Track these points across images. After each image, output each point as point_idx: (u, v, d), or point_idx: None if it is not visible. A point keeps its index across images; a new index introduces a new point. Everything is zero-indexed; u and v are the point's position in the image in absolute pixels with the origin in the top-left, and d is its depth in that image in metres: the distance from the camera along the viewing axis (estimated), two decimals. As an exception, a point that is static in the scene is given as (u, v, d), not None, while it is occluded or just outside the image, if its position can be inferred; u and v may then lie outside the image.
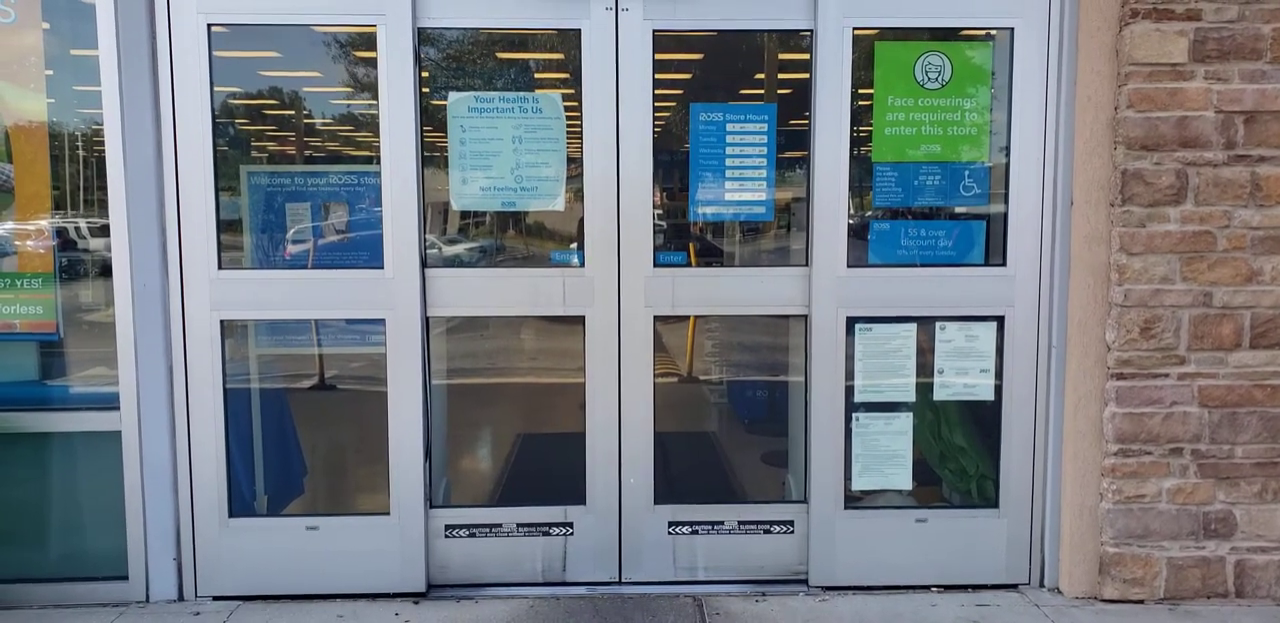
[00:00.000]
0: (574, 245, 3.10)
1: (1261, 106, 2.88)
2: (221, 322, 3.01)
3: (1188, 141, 2.90)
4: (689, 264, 3.11)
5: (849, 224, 3.05)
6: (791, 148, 3.10)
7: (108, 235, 2.95)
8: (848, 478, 3.13)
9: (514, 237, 3.20)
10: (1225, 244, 2.93)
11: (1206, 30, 2.87)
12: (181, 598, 3.05)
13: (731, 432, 3.60)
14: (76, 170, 2.97)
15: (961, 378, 3.13)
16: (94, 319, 3.05)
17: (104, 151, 2.91)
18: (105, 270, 2.98)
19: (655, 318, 3.08)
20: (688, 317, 3.26)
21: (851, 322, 3.08)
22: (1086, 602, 3.04)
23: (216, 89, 2.95)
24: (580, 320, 3.09)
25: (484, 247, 3.21)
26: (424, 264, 3.03)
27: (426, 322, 3.05)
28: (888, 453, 3.14)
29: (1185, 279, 2.94)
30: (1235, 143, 2.90)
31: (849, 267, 3.05)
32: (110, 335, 2.98)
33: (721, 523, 3.15)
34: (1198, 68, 2.88)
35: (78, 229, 3.03)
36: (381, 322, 3.02)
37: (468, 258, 3.19)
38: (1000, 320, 3.10)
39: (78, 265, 3.05)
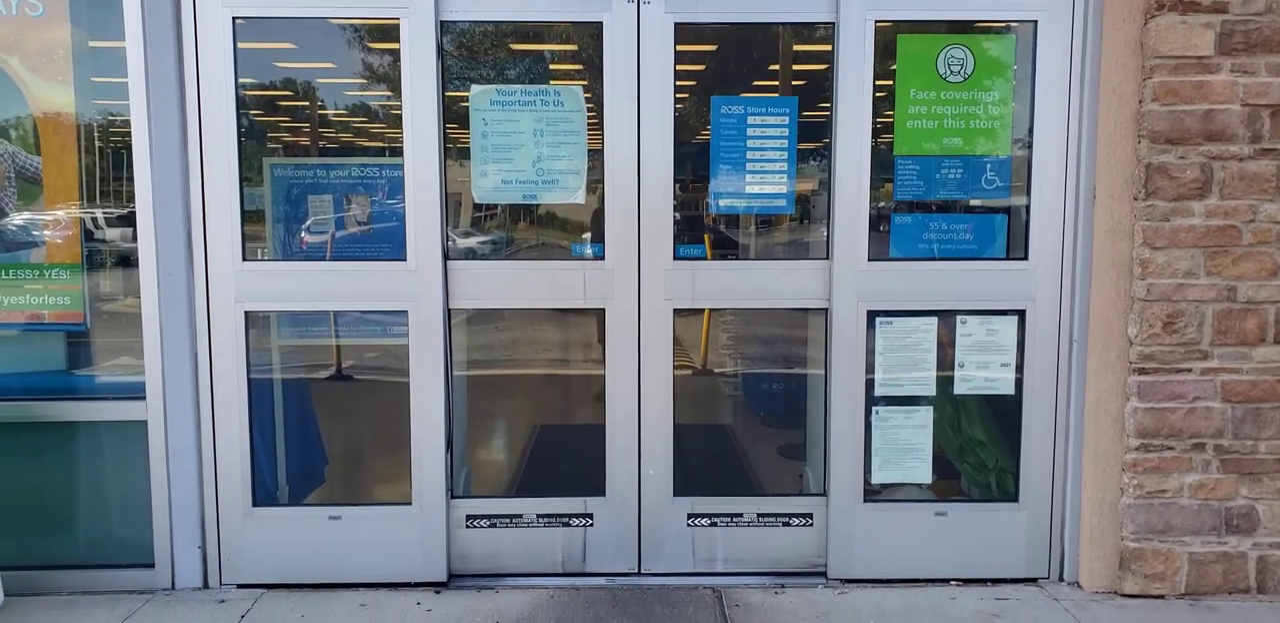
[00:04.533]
0: (594, 238, 3.11)
1: (1288, 99, 2.86)
2: (245, 313, 3.03)
3: (1213, 135, 2.88)
4: (707, 257, 3.12)
5: (869, 217, 3.04)
6: (811, 140, 3.09)
7: (130, 226, 2.98)
8: (867, 471, 3.13)
9: (533, 229, 3.21)
10: (1250, 238, 2.91)
11: (1233, 23, 2.85)
12: (206, 586, 3.09)
13: (747, 425, 3.60)
14: (95, 161, 3.00)
15: (982, 372, 3.12)
16: (118, 309, 3.08)
17: (128, 143, 2.94)
18: (128, 261, 3.02)
19: (674, 311, 3.09)
20: (703, 309, 3.27)
21: (872, 315, 3.08)
22: (1107, 596, 3.03)
23: (240, 81, 2.97)
24: (598, 313, 3.11)
25: (501, 239, 3.22)
26: (446, 256, 3.05)
27: (448, 313, 3.07)
28: (907, 446, 3.14)
29: (1209, 274, 2.92)
30: (1261, 136, 2.88)
31: (870, 260, 3.05)
32: (134, 326, 3.01)
33: (740, 515, 3.16)
34: (1224, 61, 2.86)
35: (99, 220, 3.06)
36: (404, 313, 3.05)
37: (487, 251, 3.20)
38: (1021, 314, 3.09)
39: (103, 256, 3.08)
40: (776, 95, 3.11)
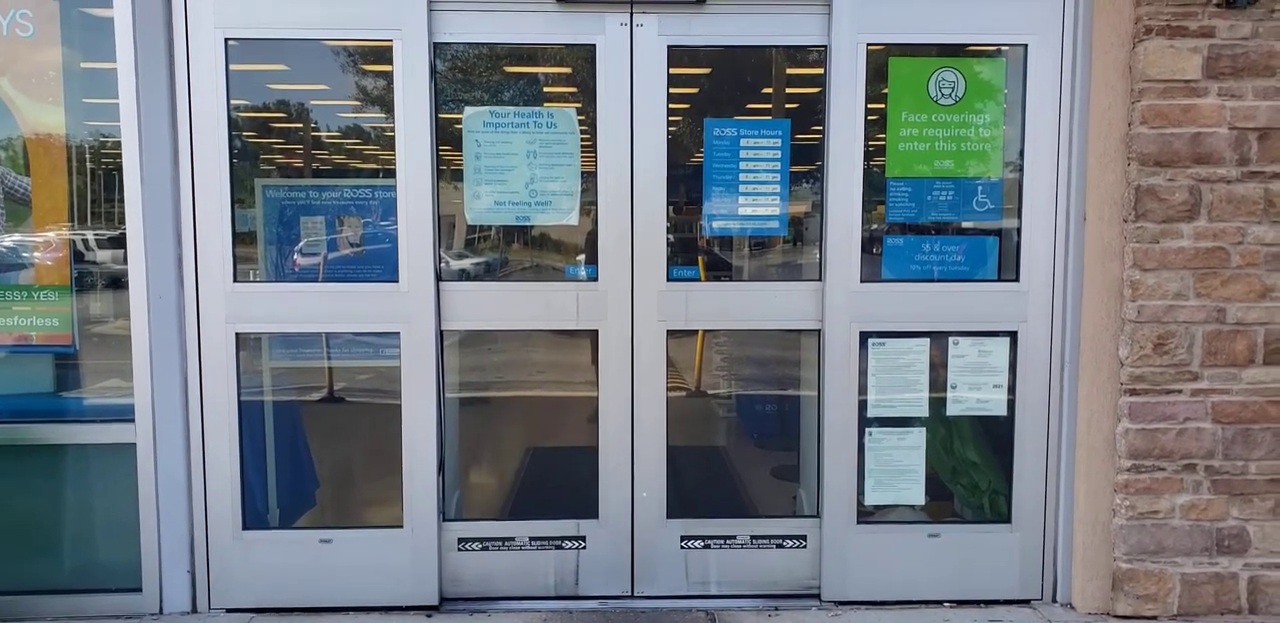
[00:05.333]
0: (587, 259, 3.11)
1: (1275, 123, 2.89)
2: (236, 334, 3.02)
3: (1201, 158, 2.90)
4: (701, 278, 3.12)
5: (861, 239, 3.05)
6: (804, 163, 3.10)
7: (120, 248, 2.96)
8: (860, 493, 3.13)
9: (526, 250, 3.21)
10: (1239, 260, 2.93)
11: (1220, 47, 2.88)
12: (195, 611, 3.06)
13: (740, 446, 3.60)
14: (85, 183, 2.98)
15: (974, 393, 3.13)
16: (107, 331, 3.06)
17: (119, 164, 2.93)
18: (118, 283, 2.99)
19: (667, 332, 3.09)
20: (696, 331, 3.27)
21: (865, 336, 3.08)
22: (1100, 618, 3.03)
23: (233, 103, 2.96)
24: (591, 334, 3.10)
25: (494, 260, 3.22)
26: (439, 278, 3.04)
27: (441, 335, 3.06)
28: (900, 468, 3.14)
29: (1199, 295, 2.94)
30: (1249, 159, 2.91)
31: (862, 281, 3.06)
32: (124, 347, 2.99)
33: (734, 537, 3.15)
34: (1211, 84, 2.89)
35: (89, 241, 3.04)
36: (396, 335, 3.03)
37: (480, 272, 3.20)
38: (1013, 336, 3.10)
39: (93, 278, 3.06)
40: (769, 118, 3.12)
